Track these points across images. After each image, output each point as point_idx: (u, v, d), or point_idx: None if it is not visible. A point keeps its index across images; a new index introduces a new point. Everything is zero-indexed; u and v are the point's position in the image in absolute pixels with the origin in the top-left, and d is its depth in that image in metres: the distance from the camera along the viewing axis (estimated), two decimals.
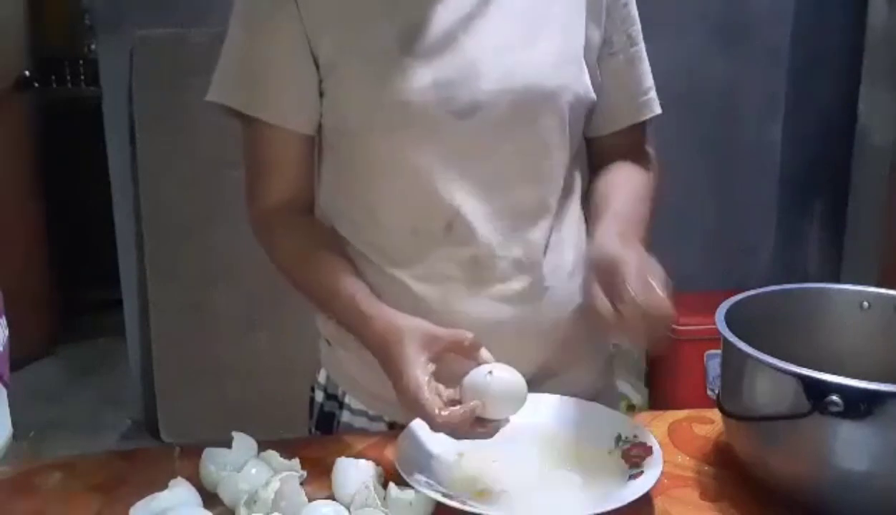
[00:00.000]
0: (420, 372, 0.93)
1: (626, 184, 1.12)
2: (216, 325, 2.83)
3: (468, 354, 0.96)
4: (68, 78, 4.19)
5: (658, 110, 1.17)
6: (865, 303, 1.07)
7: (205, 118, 2.79)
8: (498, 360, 0.95)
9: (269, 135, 1.08)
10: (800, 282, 1.15)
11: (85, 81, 4.15)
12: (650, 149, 1.20)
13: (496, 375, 0.92)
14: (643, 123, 1.17)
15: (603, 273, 0.96)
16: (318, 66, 1.05)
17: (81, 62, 4.16)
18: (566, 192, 1.11)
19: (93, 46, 3.83)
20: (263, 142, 1.09)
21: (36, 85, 3.73)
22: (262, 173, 1.11)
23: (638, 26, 1.14)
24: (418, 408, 0.92)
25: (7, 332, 1.10)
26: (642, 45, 1.15)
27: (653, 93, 1.16)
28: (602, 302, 0.94)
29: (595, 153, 1.18)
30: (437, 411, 0.91)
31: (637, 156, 1.17)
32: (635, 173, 1.15)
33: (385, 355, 0.97)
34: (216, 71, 1.09)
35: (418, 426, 1.02)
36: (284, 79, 1.06)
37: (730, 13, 2.89)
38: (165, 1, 2.75)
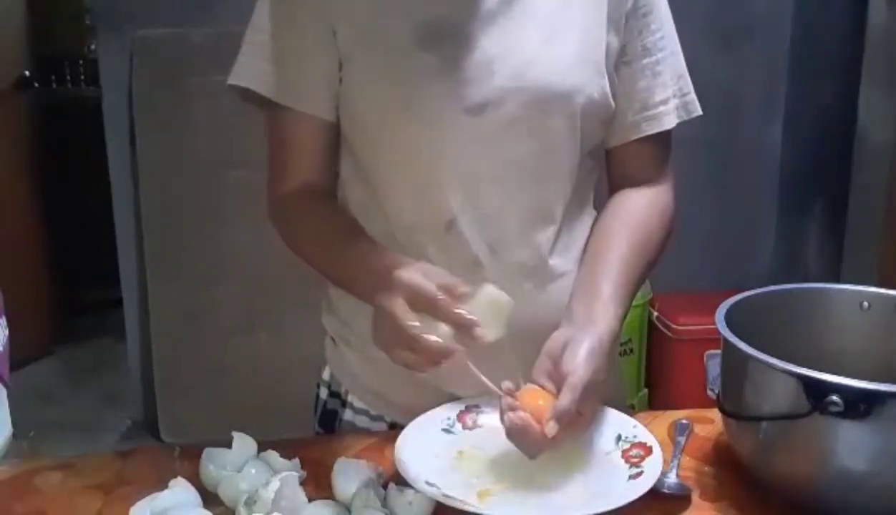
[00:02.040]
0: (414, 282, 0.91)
1: (618, 245, 1.07)
2: (216, 325, 2.83)
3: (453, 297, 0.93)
4: (68, 78, 4.19)
5: (669, 125, 1.12)
6: (865, 303, 1.07)
7: (205, 118, 2.81)
8: (498, 365, 0.94)
9: (294, 121, 1.08)
10: (800, 282, 1.14)
11: (85, 81, 4.15)
12: (668, 172, 1.15)
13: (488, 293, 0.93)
14: (660, 140, 1.13)
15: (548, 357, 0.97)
16: (338, 55, 1.05)
17: (81, 62, 4.17)
18: (576, 198, 1.10)
19: (93, 46, 3.83)
20: (287, 128, 1.09)
21: (36, 85, 3.73)
22: (285, 157, 1.11)
23: (658, 38, 1.10)
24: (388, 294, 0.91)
25: (7, 332, 1.10)
26: (662, 57, 1.10)
27: (665, 108, 1.11)
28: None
29: (609, 167, 1.16)
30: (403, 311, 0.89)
31: (649, 180, 1.13)
32: (637, 220, 1.10)
33: (383, 273, 0.94)
34: (239, 55, 1.10)
35: (418, 426, 1.02)
36: (309, 66, 1.06)
37: (730, 14, 2.90)
38: (165, 1, 2.75)
